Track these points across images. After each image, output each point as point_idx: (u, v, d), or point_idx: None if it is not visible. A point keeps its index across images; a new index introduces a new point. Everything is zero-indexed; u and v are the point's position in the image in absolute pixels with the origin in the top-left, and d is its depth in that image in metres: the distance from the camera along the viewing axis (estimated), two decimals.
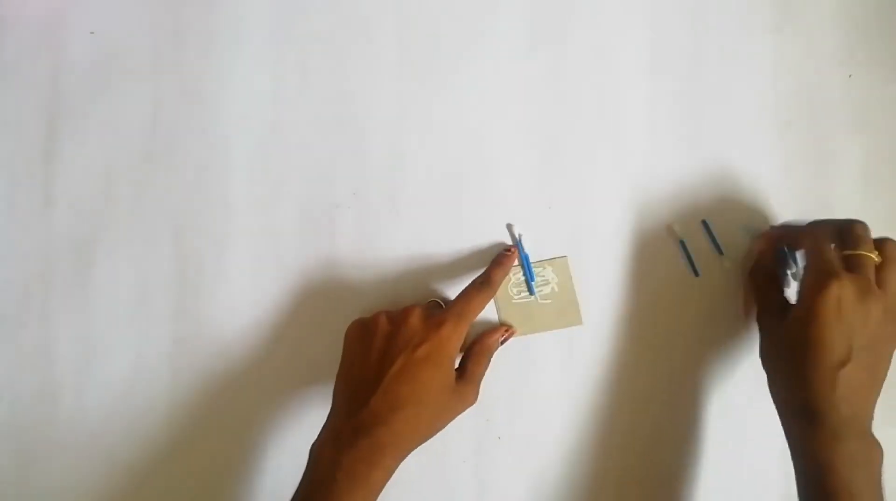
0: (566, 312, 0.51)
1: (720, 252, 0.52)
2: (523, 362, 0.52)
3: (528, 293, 0.51)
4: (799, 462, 0.42)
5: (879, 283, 0.43)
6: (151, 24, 0.53)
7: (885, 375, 0.43)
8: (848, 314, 0.41)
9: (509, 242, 0.52)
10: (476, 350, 0.48)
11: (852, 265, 0.43)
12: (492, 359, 0.49)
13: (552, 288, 0.51)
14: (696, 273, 0.52)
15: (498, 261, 0.49)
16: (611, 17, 0.53)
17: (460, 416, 0.46)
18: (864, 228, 0.45)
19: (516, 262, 0.51)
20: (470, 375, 0.46)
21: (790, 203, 0.53)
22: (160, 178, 0.52)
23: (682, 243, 0.52)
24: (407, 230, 0.52)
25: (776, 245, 0.49)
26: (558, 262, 0.52)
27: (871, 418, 0.42)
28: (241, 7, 0.53)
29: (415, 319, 0.45)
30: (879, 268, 0.43)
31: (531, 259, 0.51)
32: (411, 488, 0.50)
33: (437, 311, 0.46)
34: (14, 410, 0.51)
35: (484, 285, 0.47)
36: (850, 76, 0.53)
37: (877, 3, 0.54)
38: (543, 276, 0.51)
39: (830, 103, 0.53)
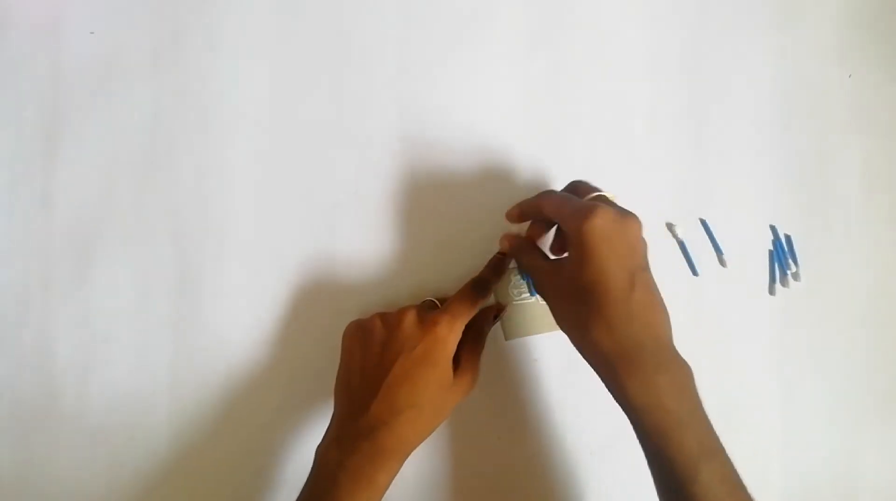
0: None
1: (720, 252, 0.52)
2: (523, 363, 0.52)
3: (528, 295, 0.51)
4: (625, 407, 0.40)
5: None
6: (151, 24, 0.53)
7: (659, 294, 0.42)
8: (616, 240, 0.40)
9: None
10: (470, 337, 0.47)
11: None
12: (493, 360, 0.49)
13: None
14: (696, 273, 0.52)
15: (491, 264, 0.49)
16: (611, 17, 0.53)
17: (460, 415, 0.46)
18: (587, 182, 0.46)
19: (513, 264, 0.51)
20: (466, 364, 0.46)
21: (790, 203, 0.53)
22: (160, 178, 0.52)
23: (682, 243, 0.52)
24: (407, 230, 0.52)
25: (529, 217, 0.48)
26: None
27: (671, 336, 0.41)
28: (241, 7, 0.53)
29: (409, 321, 0.45)
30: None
31: None
32: (410, 488, 0.50)
33: (432, 311, 0.46)
34: (14, 410, 0.51)
35: (478, 286, 0.47)
36: (850, 76, 0.53)
37: (877, 3, 0.54)
38: None
39: (830, 103, 0.53)
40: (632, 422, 0.41)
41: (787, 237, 0.52)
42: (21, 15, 0.52)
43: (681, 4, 0.54)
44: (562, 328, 0.44)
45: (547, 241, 0.49)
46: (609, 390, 0.41)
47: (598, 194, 0.44)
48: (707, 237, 0.52)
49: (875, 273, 0.53)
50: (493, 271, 0.49)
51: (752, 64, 0.53)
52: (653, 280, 0.42)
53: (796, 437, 0.52)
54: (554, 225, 0.48)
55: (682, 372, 0.40)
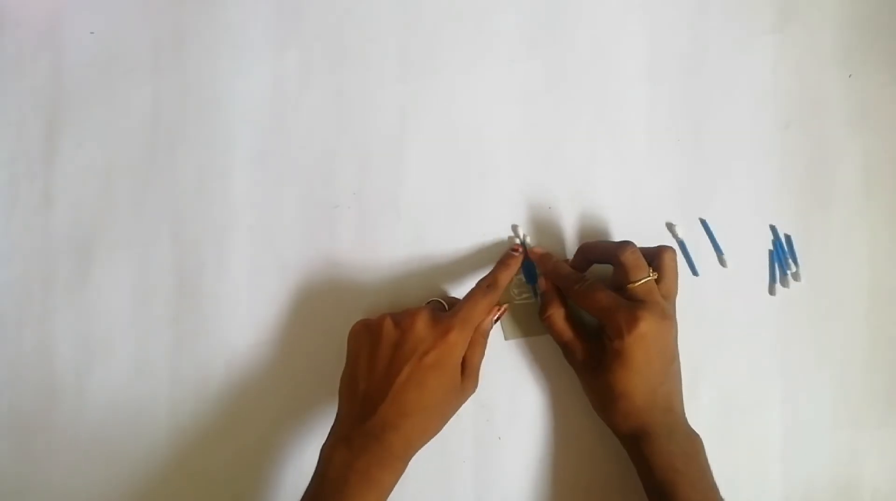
0: None
1: (720, 252, 0.52)
2: (524, 362, 0.52)
3: (528, 295, 0.51)
4: (641, 467, 0.45)
5: (662, 294, 0.45)
6: (151, 24, 0.53)
7: (680, 369, 0.47)
8: (655, 346, 0.44)
9: (510, 241, 0.52)
10: (473, 340, 0.47)
11: (638, 294, 0.44)
12: (493, 360, 0.49)
13: None
14: (696, 273, 0.52)
15: (504, 262, 0.49)
16: (611, 17, 0.53)
17: (461, 416, 0.46)
18: (632, 252, 0.45)
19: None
20: (469, 367, 0.46)
21: (790, 203, 0.53)
22: (160, 178, 0.52)
23: (682, 243, 0.52)
24: (407, 230, 0.52)
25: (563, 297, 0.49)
26: None
27: (683, 410, 0.47)
28: (242, 7, 0.53)
29: (421, 325, 0.44)
30: (658, 281, 0.46)
31: None
32: (411, 488, 0.50)
33: (442, 313, 0.46)
34: (14, 410, 0.51)
35: (490, 288, 0.47)
36: (850, 76, 0.53)
37: (877, 3, 0.54)
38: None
39: (830, 103, 0.53)
40: (644, 480, 0.45)
41: (787, 237, 0.52)
42: (21, 15, 0.52)
43: (681, 4, 0.53)
44: (585, 392, 0.48)
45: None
46: (627, 452, 0.47)
47: (640, 282, 0.44)
48: (707, 237, 0.52)
49: (875, 273, 0.53)
50: (506, 272, 0.48)
51: (751, 64, 0.53)
52: (679, 367, 0.47)
53: (796, 437, 0.52)
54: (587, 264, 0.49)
55: (694, 443, 0.45)
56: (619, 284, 0.45)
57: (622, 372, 0.43)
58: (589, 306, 0.45)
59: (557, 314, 0.48)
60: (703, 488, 0.44)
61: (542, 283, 0.49)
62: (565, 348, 0.48)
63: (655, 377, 0.44)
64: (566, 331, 0.48)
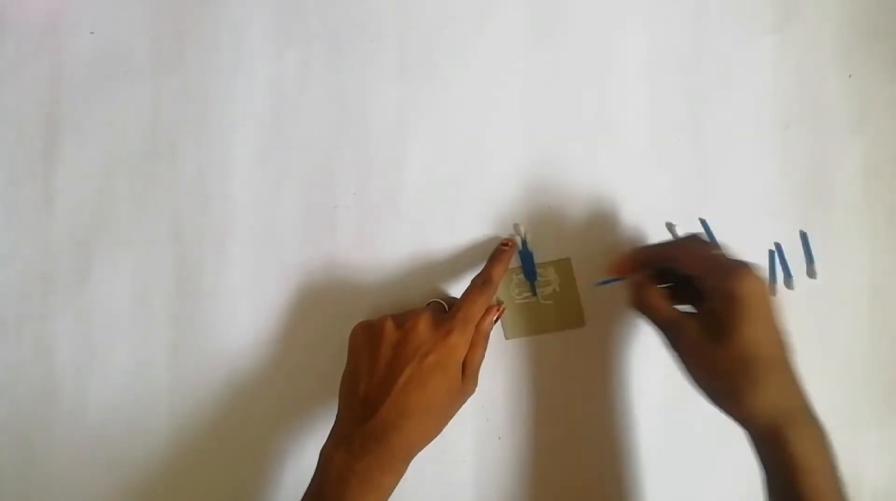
0: (568, 313, 0.51)
1: None
2: (524, 362, 0.52)
3: (530, 294, 0.51)
4: (783, 468, 0.39)
5: None
6: (151, 24, 0.53)
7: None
8: (769, 302, 0.39)
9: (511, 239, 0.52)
10: (473, 341, 0.47)
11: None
12: (493, 360, 0.49)
13: (554, 289, 0.51)
14: None
15: (496, 257, 0.49)
16: (610, 17, 0.53)
17: (461, 416, 0.46)
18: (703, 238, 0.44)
19: (514, 264, 0.51)
20: (470, 368, 0.46)
21: (790, 203, 0.53)
22: (160, 178, 0.52)
23: None
24: (407, 230, 0.52)
25: (648, 266, 0.46)
26: (561, 263, 0.52)
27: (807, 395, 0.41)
28: (242, 7, 0.53)
29: (423, 326, 0.45)
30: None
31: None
32: (411, 488, 0.50)
33: (442, 315, 0.46)
34: (14, 409, 0.51)
35: (485, 285, 0.47)
36: (850, 76, 0.53)
37: (877, 3, 0.54)
38: (545, 277, 0.51)
39: (830, 103, 0.53)
40: (778, 482, 0.40)
41: (804, 236, 0.52)
42: (21, 15, 0.52)
43: (681, 4, 0.54)
44: (696, 386, 0.42)
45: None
46: (763, 452, 0.40)
47: (722, 252, 0.42)
48: (707, 237, 0.52)
49: (875, 273, 0.53)
50: (499, 267, 0.48)
51: (751, 64, 0.53)
52: (789, 343, 0.41)
53: None
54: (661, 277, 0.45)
55: (823, 432, 0.40)
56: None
57: (751, 328, 0.38)
58: (685, 262, 0.42)
59: (654, 293, 0.43)
60: (844, 496, 0.39)
61: (624, 266, 0.45)
62: (672, 328, 0.42)
63: (783, 335, 0.39)
64: (669, 309, 0.42)
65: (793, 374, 0.40)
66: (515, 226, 0.52)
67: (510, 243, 0.50)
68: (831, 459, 0.40)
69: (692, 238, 0.45)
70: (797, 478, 0.38)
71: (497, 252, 0.49)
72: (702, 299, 0.42)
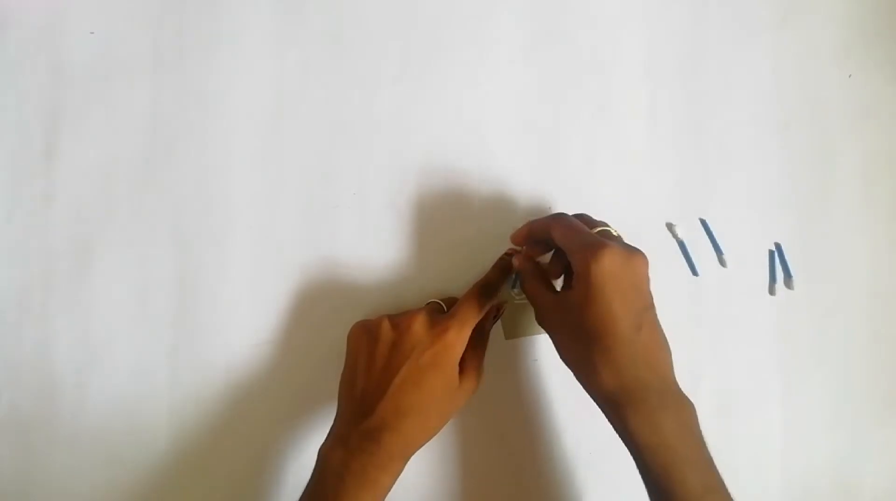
0: None
1: (720, 252, 0.52)
2: (524, 362, 0.52)
3: None
4: (629, 445, 0.41)
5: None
6: (151, 24, 0.53)
7: (659, 323, 0.42)
8: (624, 280, 0.40)
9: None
10: (473, 339, 0.47)
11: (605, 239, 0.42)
12: (493, 360, 0.49)
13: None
14: (696, 273, 0.52)
15: (499, 265, 0.49)
16: (610, 17, 0.53)
17: (460, 416, 0.46)
18: (590, 216, 0.45)
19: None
20: (470, 367, 0.46)
21: (790, 203, 0.53)
22: (160, 178, 0.52)
23: (682, 243, 0.52)
24: (407, 231, 0.52)
25: (531, 241, 0.47)
26: None
27: (674, 374, 0.42)
28: (242, 7, 0.53)
29: (419, 325, 0.45)
30: None
31: None
32: (410, 487, 0.50)
33: (439, 315, 0.46)
34: (14, 409, 0.51)
35: (486, 289, 0.47)
36: (850, 76, 0.53)
37: (877, 3, 0.54)
38: None
39: (830, 103, 0.53)
40: (635, 460, 0.41)
41: (778, 246, 0.52)
42: (21, 15, 0.52)
43: (680, 4, 0.54)
44: (564, 362, 0.44)
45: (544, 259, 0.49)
46: (613, 427, 0.41)
47: (603, 228, 0.43)
48: (707, 237, 0.52)
49: (875, 273, 0.53)
50: (501, 274, 0.49)
51: (751, 64, 0.53)
52: (657, 319, 0.42)
53: (797, 437, 0.52)
54: (553, 248, 0.47)
55: (686, 411, 0.41)
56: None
57: (594, 308, 0.39)
58: (557, 237, 0.43)
59: (534, 281, 0.45)
60: (702, 467, 0.40)
61: (519, 238, 0.47)
62: (541, 308, 0.44)
63: (631, 317, 0.40)
64: (544, 292, 0.44)
65: (643, 353, 0.40)
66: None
67: (514, 254, 0.49)
68: (680, 436, 0.39)
69: (561, 215, 0.45)
70: (642, 455, 0.39)
71: (500, 262, 0.49)
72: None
